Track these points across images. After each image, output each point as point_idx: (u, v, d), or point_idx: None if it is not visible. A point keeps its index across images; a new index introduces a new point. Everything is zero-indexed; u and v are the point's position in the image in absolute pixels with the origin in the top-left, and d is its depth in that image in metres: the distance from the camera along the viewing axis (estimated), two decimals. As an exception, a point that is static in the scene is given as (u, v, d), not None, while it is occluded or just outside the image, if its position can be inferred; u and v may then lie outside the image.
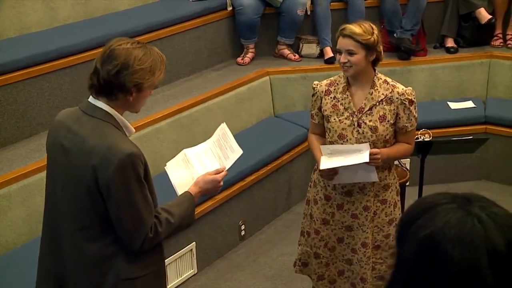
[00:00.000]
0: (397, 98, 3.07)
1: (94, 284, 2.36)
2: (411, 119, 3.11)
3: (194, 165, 2.65)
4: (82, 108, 2.35)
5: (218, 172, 2.57)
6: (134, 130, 2.42)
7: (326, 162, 3.04)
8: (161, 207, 2.39)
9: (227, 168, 2.61)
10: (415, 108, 3.11)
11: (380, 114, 3.08)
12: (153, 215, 2.32)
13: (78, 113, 2.34)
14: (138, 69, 2.25)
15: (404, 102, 3.07)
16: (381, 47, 3.08)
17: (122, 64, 2.24)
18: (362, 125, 3.09)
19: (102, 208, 2.27)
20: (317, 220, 3.32)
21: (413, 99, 3.10)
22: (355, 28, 3.01)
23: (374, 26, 3.07)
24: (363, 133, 3.09)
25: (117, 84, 2.26)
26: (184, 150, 2.73)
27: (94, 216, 2.30)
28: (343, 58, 3.03)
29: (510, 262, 1.18)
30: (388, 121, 3.08)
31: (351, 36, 3.00)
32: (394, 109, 3.08)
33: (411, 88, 3.14)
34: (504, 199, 4.65)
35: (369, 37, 3.01)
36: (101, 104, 2.31)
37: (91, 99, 2.34)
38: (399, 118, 3.09)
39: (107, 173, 2.20)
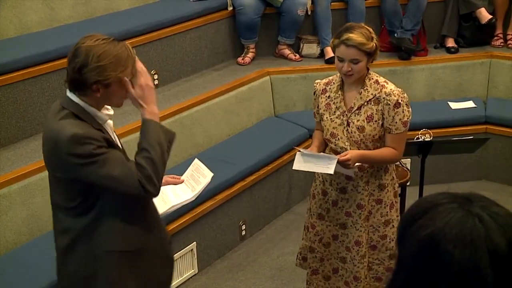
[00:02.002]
0: (383, 98, 3.05)
1: (82, 256, 2.43)
2: (396, 122, 3.04)
3: (167, 194, 2.72)
4: (60, 101, 2.41)
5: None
6: (107, 117, 2.41)
7: (299, 165, 3.12)
8: (136, 151, 2.38)
9: (198, 190, 2.69)
10: (402, 112, 3.03)
11: (368, 114, 3.07)
12: (131, 164, 2.32)
13: (58, 105, 2.40)
14: (95, 67, 2.26)
15: (389, 103, 3.03)
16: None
17: (81, 62, 2.27)
18: (351, 124, 3.10)
19: (64, 188, 2.35)
20: (313, 214, 3.36)
21: (400, 101, 3.02)
22: (358, 37, 2.97)
23: (370, 30, 3.05)
24: (351, 132, 3.10)
25: (80, 80, 2.29)
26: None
27: (61, 195, 2.38)
28: (347, 66, 3.01)
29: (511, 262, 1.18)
30: (376, 121, 3.07)
31: (355, 46, 2.97)
32: (381, 109, 3.06)
33: (400, 89, 3.07)
34: (504, 199, 4.65)
35: (371, 44, 3.00)
36: (74, 97, 2.36)
37: (67, 92, 2.39)
38: (384, 118, 3.07)
39: (61, 159, 2.27)
